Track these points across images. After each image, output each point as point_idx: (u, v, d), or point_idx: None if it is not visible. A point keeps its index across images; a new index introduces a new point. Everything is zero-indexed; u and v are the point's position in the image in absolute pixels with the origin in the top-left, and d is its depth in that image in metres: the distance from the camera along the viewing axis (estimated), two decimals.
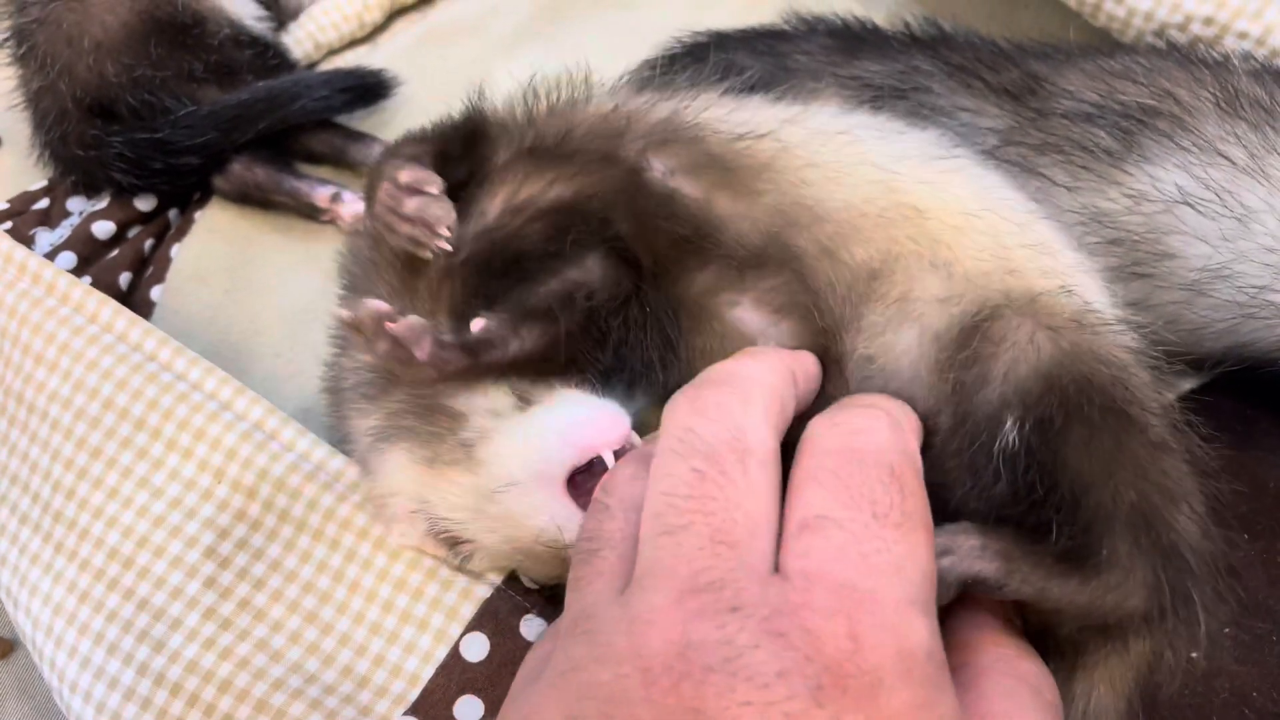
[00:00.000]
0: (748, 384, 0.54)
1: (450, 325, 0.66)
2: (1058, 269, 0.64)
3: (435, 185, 0.66)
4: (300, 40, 1.14)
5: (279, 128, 1.00)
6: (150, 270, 1.00)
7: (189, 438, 0.76)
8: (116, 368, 0.78)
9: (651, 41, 0.98)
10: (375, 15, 1.17)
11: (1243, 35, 0.84)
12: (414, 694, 0.69)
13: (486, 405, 0.66)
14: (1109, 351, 0.60)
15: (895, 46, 0.87)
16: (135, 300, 0.97)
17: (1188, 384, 0.77)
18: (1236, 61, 0.78)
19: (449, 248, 0.65)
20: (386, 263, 0.72)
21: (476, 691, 0.68)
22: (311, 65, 1.15)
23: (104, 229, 1.00)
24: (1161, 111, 0.75)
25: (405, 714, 0.68)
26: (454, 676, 0.69)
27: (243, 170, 1.01)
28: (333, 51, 1.17)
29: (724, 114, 0.70)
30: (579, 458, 0.63)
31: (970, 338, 0.60)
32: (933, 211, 0.64)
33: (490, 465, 0.65)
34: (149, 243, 1.02)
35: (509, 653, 0.69)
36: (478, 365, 0.64)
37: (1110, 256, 0.73)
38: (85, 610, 0.72)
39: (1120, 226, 0.74)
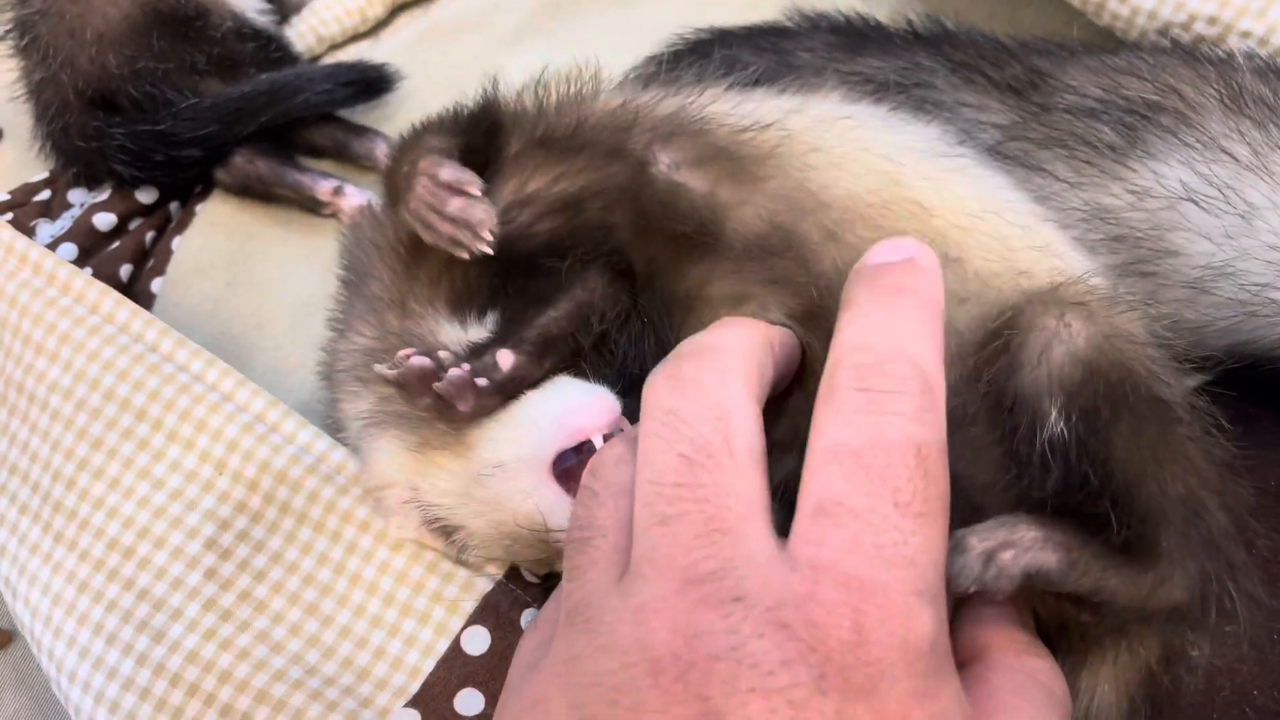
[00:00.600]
0: (724, 355, 0.53)
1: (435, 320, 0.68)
2: (1066, 269, 0.64)
3: (476, 185, 0.66)
4: (303, 34, 1.14)
5: (281, 121, 1.00)
6: (151, 262, 1.00)
7: (190, 429, 0.76)
8: (118, 358, 0.78)
9: (654, 38, 0.98)
10: (378, 10, 1.17)
11: (1246, 34, 0.85)
12: (415, 687, 0.69)
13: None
14: (1141, 335, 0.60)
15: (898, 43, 0.87)
16: (136, 292, 0.97)
17: (1190, 382, 0.77)
18: (1241, 59, 0.78)
19: (490, 251, 0.65)
20: (390, 248, 0.72)
21: (477, 685, 0.68)
22: (314, 59, 1.15)
23: (105, 221, 1.00)
24: (1165, 107, 0.75)
25: (406, 706, 0.68)
26: (455, 669, 0.69)
27: (244, 163, 1.01)
28: (335, 45, 1.17)
29: (729, 107, 0.70)
30: (568, 441, 0.63)
31: (995, 335, 0.60)
32: (938, 210, 0.64)
33: (479, 449, 0.65)
34: (150, 235, 1.02)
35: (510, 647, 0.69)
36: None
37: (1113, 254, 0.73)
38: (85, 600, 0.72)
39: (1123, 223, 0.74)
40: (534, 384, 0.66)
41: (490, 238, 0.65)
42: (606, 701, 0.44)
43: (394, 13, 1.19)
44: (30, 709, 0.80)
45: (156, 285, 0.98)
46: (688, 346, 0.54)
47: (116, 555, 0.73)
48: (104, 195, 1.03)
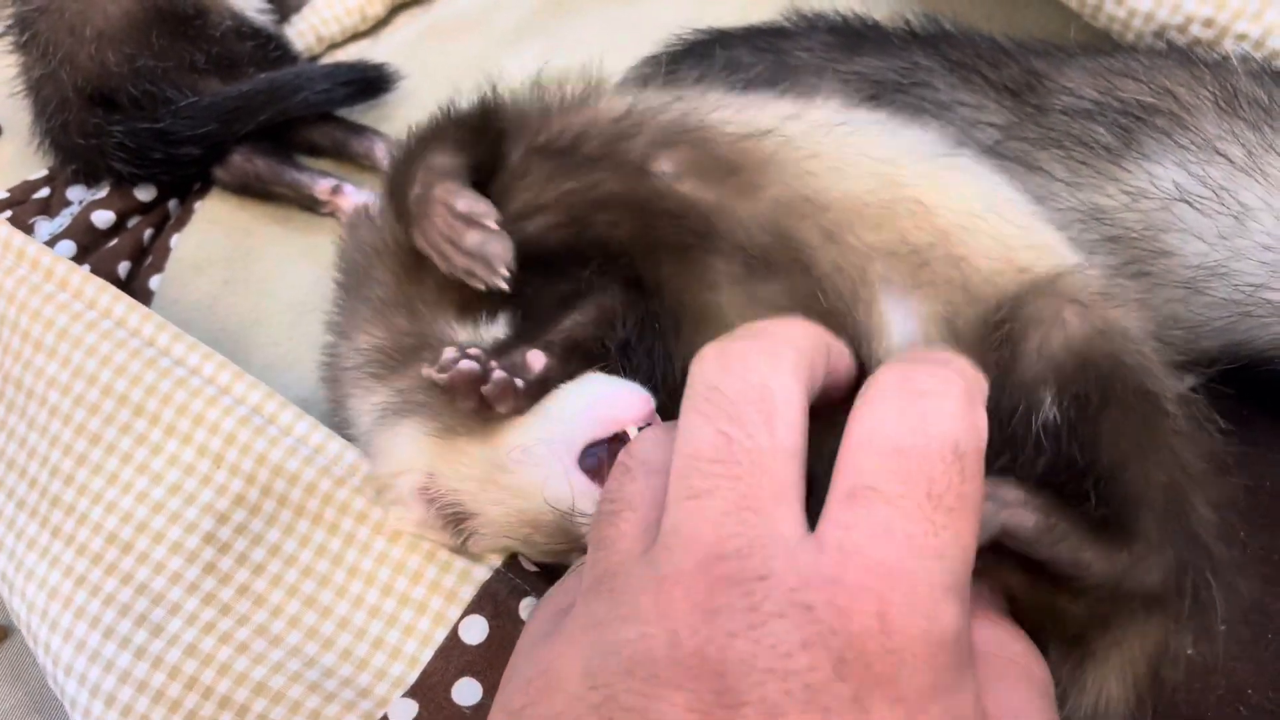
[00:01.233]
0: (777, 340, 0.52)
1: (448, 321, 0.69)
2: (1064, 266, 0.64)
3: (493, 217, 0.66)
4: (302, 33, 1.14)
5: (280, 120, 1.01)
6: (149, 260, 1.00)
7: (187, 423, 0.76)
8: (115, 353, 0.78)
9: (653, 37, 0.98)
10: (377, 9, 1.17)
11: (1242, 37, 0.85)
12: (413, 676, 0.69)
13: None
14: (1135, 329, 0.61)
15: (896, 43, 0.87)
16: (134, 289, 0.97)
17: (1184, 382, 0.77)
18: (1236, 62, 0.79)
19: (506, 287, 0.65)
20: (392, 251, 0.72)
21: (475, 674, 0.68)
22: (313, 58, 1.16)
23: (104, 218, 1.00)
24: (1161, 109, 0.76)
25: (404, 696, 0.68)
26: (452, 659, 0.69)
27: (243, 161, 1.01)
28: (335, 45, 1.17)
29: (730, 114, 0.70)
30: (603, 430, 0.64)
31: (997, 327, 0.61)
32: (938, 208, 0.64)
33: (506, 435, 0.65)
34: (148, 232, 1.02)
35: (508, 635, 0.69)
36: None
37: (1108, 254, 0.74)
38: (82, 594, 0.72)
39: (1118, 223, 0.74)
40: (560, 383, 0.66)
41: (506, 274, 0.65)
42: (623, 671, 0.44)
43: (393, 12, 1.20)
44: (26, 704, 0.80)
45: (155, 283, 0.98)
46: (744, 329, 0.54)
47: (115, 550, 0.73)
48: (103, 193, 1.03)
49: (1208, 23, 0.85)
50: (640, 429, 0.63)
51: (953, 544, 0.46)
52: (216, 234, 1.01)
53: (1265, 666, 0.68)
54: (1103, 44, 0.89)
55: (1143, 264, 0.74)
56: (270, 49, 1.07)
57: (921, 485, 0.46)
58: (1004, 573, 0.58)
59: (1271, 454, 0.76)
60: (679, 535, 0.46)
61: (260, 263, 1.00)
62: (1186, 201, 0.73)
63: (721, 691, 0.42)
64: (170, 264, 0.99)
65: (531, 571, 0.71)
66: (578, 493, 0.63)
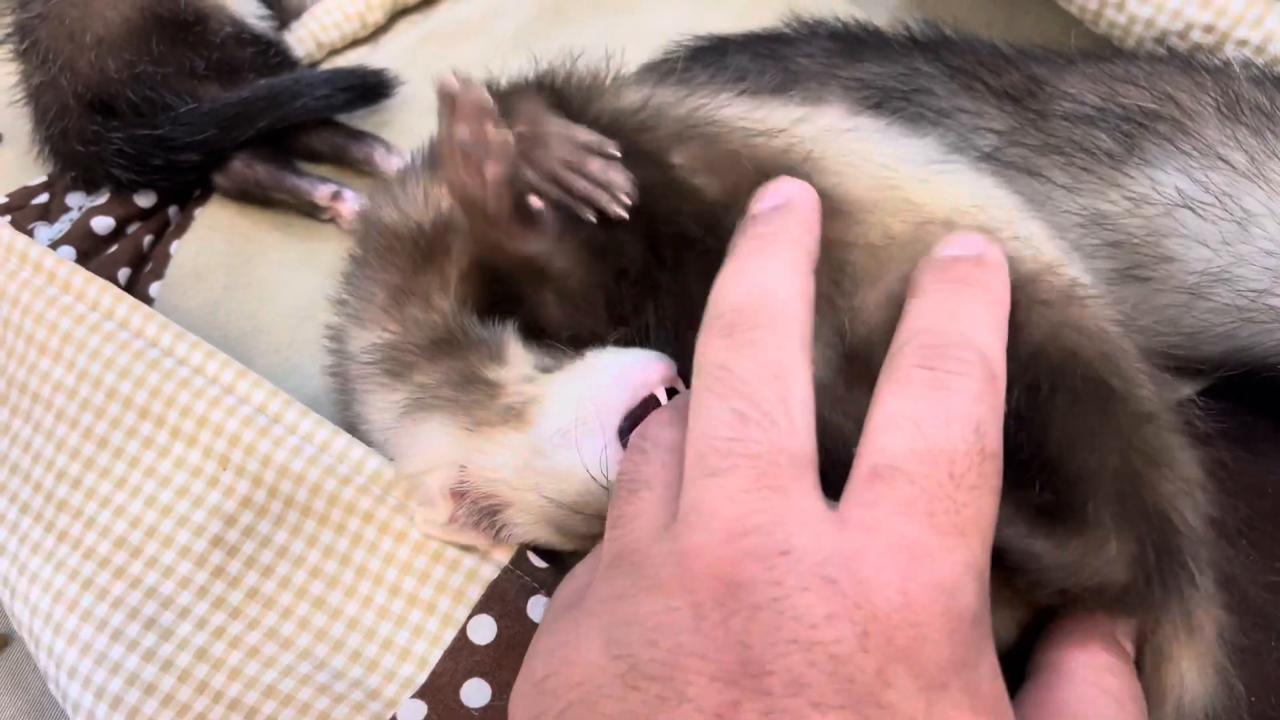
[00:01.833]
0: (777, 304, 0.52)
1: (465, 314, 0.69)
2: (1045, 257, 0.64)
3: (615, 147, 0.65)
4: (302, 39, 1.14)
5: (280, 126, 1.01)
6: (149, 266, 1.00)
7: (192, 424, 0.76)
8: (119, 355, 0.78)
9: (653, 45, 0.98)
10: (377, 15, 1.17)
11: (1243, 43, 0.85)
12: (422, 677, 0.69)
13: (520, 374, 0.68)
14: (1095, 324, 0.60)
15: (896, 49, 0.87)
16: (134, 296, 0.96)
17: (1186, 389, 0.77)
18: (1237, 67, 0.79)
19: (625, 215, 0.64)
20: (404, 250, 0.72)
21: (484, 675, 0.68)
22: (313, 64, 1.15)
23: (103, 225, 1.00)
24: (1162, 115, 0.76)
25: (413, 697, 0.68)
26: (461, 660, 0.68)
27: (243, 167, 1.01)
28: (334, 51, 1.17)
29: (743, 111, 0.70)
30: (632, 397, 0.64)
31: None
32: (928, 208, 0.64)
33: (541, 419, 0.65)
34: (148, 239, 1.01)
35: (516, 635, 0.68)
36: (513, 238, 0.64)
37: (1110, 259, 0.74)
38: (88, 598, 0.72)
39: (1120, 229, 0.74)
40: (546, 253, 0.66)
41: (628, 201, 0.64)
42: (646, 641, 0.44)
43: (394, 18, 1.19)
44: (26, 712, 0.79)
45: (154, 289, 0.98)
46: (744, 240, 0.55)
47: (122, 553, 0.73)
48: (102, 199, 1.03)
49: (1208, 29, 0.85)
50: (668, 391, 0.64)
51: (973, 523, 0.47)
52: (216, 240, 1.01)
53: (1267, 674, 0.68)
54: (1103, 50, 0.89)
55: (1145, 269, 0.74)
56: (270, 55, 1.07)
57: (943, 464, 0.47)
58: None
59: (1273, 460, 0.75)
60: (699, 512, 0.47)
61: (260, 269, 0.99)
62: (1189, 207, 0.73)
63: (747, 661, 0.43)
64: (170, 270, 0.99)
65: (540, 568, 0.71)
66: (618, 466, 0.62)
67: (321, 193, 1.00)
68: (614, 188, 0.64)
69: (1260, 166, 0.72)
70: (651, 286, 0.68)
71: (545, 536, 0.69)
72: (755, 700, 0.42)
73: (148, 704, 0.68)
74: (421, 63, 1.11)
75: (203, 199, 1.04)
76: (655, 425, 0.55)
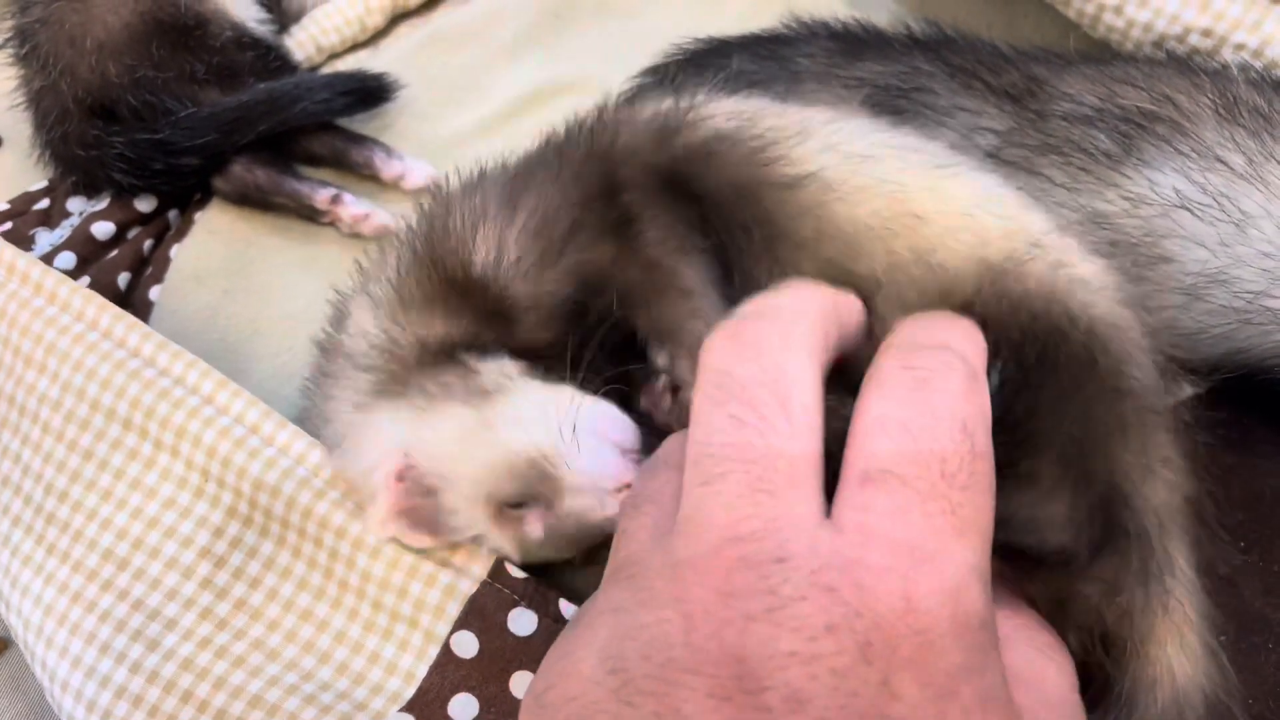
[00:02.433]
0: (787, 316, 0.52)
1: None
2: (1030, 234, 0.64)
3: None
4: (302, 43, 1.14)
5: (280, 130, 1.01)
6: (149, 271, 1.00)
7: (172, 435, 0.75)
8: (100, 366, 0.78)
9: (653, 49, 0.98)
10: (377, 19, 1.17)
11: (1240, 47, 0.85)
12: (409, 692, 0.68)
13: (504, 370, 0.69)
14: (1064, 312, 0.59)
15: (897, 48, 0.87)
16: (134, 301, 0.97)
17: (1183, 391, 0.77)
18: (1235, 70, 0.79)
19: None
20: (424, 263, 0.71)
21: (470, 689, 0.67)
22: (313, 68, 1.15)
23: (104, 229, 1.00)
24: (1161, 116, 0.76)
25: (400, 711, 0.68)
26: (448, 675, 0.68)
27: (243, 172, 1.01)
28: (334, 55, 1.17)
29: (748, 123, 0.69)
30: (607, 428, 0.67)
31: (966, 309, 0.60)
32: (931, 216, 0.64)
33: (505, 403, 0.67)
34: (148, 243, 1.02)
35: (499, 649, 0.68)
36: None
37: (1107, 259, 0.73)
38: (77, 611, 0.72)
39: (1118, 229, 0.74)
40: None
41: None
42: (639, 656, 0.43)
43: (393, 22, 1.20)
44: (26, 715, 0.79)
45: (155, 293, 0.98)
46: (750, 307, 0.54)
47: (110, 566, 0.73)
48: (103, 204, 1.03)
49: (1206, 33, 0.85)
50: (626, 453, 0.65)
51: (971, 522, 0.46)
52: (216, 244, 1.01)
53: (1265, 678, 0.68)
54: (1102, 52, 0.89)
55: (1142, 270, 0.74)
56: (270, 59, 1.07)
57: (935, 465, 0.46)
58: None
59: (1270, 463, 0.75)
60: (692, 521, 0.46)
61: (260, 273, 0.99)
62: (1187, 208, 0.73)
63: (742, 676, 0.41)
64: (170, 274, 0.99)
65: (519, 578, 0.70)
66: (559, 442, 0.65)
67: (321, 196, 1.00)
68: None
69: (1258, 169, 0.72)
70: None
71: (482, 526, 0.69)
72: (752, 717, 0.41)
73: (135, 716, 0.67)
74: (421, 67, 1.12)
75: (203, 203, 1.04)
76: (667, 444, 0.54)
